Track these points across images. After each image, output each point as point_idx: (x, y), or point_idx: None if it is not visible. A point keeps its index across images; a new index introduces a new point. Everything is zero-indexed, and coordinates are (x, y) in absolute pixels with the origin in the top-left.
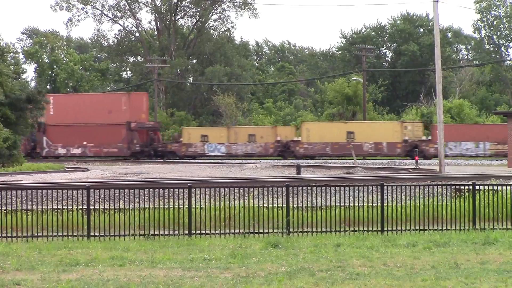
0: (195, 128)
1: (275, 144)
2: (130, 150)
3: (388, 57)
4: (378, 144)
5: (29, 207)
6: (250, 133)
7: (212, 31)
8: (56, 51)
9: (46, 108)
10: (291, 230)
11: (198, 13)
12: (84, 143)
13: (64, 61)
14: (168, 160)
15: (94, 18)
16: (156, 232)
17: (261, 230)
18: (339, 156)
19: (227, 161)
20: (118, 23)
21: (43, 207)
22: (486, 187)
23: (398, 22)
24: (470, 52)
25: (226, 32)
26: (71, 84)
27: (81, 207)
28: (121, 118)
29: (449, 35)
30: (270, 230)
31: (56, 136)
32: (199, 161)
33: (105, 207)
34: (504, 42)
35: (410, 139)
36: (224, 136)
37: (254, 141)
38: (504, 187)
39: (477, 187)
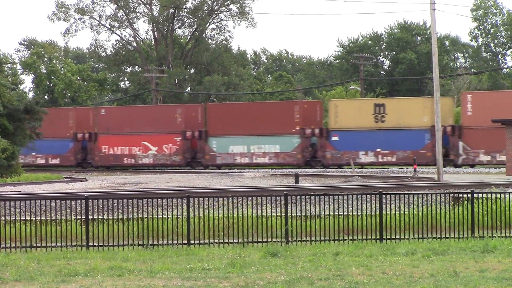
0: None
1: None
2: None
3: (385, 65)
4: None
5: (28, 218)
6: None
7: (209, 41)
8: (54, 61)
9: (43, 119)
10: (290, 239)
11: (195, 23)
12: None
13: (62, 72)
14: (167, 170)
15: (91, 29)
16: (155, 242)
17: (259, 239)
18: None
19: (225, 170)
20: (116, 33)
21: (42, 218)
22: (484, 195)
23: (395, 30)
24: (468, 60)
25: (224, 42)
26: (69, 94)
27: (80, 217)
28: None
29: (447, 43)
30: (269, 239)
31: (476, 140)
32: (198, 171)
33: (104, 217)
34: (501, 50)
35: None
36: None
37: None
38: (502, 195)
39: (475, 195)
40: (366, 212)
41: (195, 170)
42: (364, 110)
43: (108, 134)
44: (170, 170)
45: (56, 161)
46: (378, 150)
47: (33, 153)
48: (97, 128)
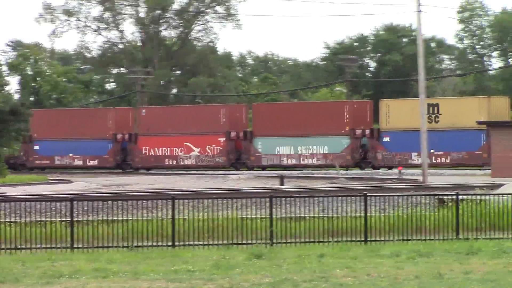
0: None
1: None
2: None
3: (371, 67)
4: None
5: (13, 219)
6: None
7: (195, 43)
8: (40, 63)
9: (29, 121)
10: (274, 241)
11: (181, 25)
12: None
13: (48, 73)
14: (152, 172)
15: (77, 30)
16: (140, 244)
17: (244, 241)
18: None
19: (210, 172)
20: (102, 35)
21: (26, 219)
22: (469, 197)
23: (381, 32)
24: (453, 61)
25: (210, 44)
26: (54, 96)
27: (65, 219)
28: None
29: (432, 45)
30: (254, 241)
31: None
32: (183, 172)
33: (89, 219)
34: (487, 51)
35: None
36: None
37: None
38: (487, 197)
39: (460, 197)
40: (351, 214)
41: (180, 172)
42: (417, 110)
43: (148, 135)
44: (154, 172)
45: (94, 162)
46: (432, 151)
47: (70, 154)
48: (138, 128)
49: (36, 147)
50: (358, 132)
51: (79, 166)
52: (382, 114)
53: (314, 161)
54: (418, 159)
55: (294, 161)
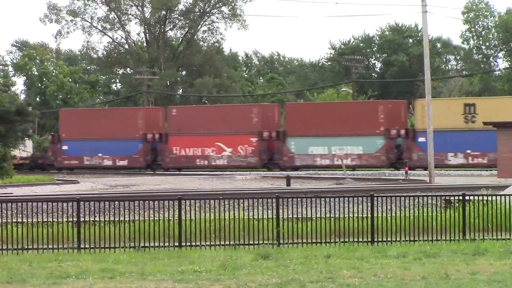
0: None
1: None
2: None
3: (377, 68)
4: None
5: (19, 220)
6: None
7: (201, 43)
8: (46, 63)
9: (35, 121)
10: (281, 241)
11: (187, 25)
12: None
13: (54, 74)
14: (158, 172)
15: (83, 30)
16: (147, 244)
17: (251, 242)
18: None
19: (216, 172)
20: (107, 35)
21: (33, 220)
22: (476, 197)
23: (387, 32)
24: (459, 62)
25: (215, 44)
26: (60, 96)
27: (71, 220)
28: None
29: (438, 45)
30: (261, 242)
31: None
32: (189, 172)
33: (95, 219)
34: (492, 52)
35: None
36: None
37: None
38: (493, 198)
39: (467, 197)
40: (358, 215)
41: (186, 172)
42: (453, 110)
43: (179, 135)
44: (160, 172)
45: (124, 162)
46: (468, 151)
47: (100, 154)
48: (168, 128)
49: (65, 147)
50: (393, 132)
51: (108, 166)
52: (417, 114)
53: (349, 162)
54: (454, 160)
55: (327, 162)
